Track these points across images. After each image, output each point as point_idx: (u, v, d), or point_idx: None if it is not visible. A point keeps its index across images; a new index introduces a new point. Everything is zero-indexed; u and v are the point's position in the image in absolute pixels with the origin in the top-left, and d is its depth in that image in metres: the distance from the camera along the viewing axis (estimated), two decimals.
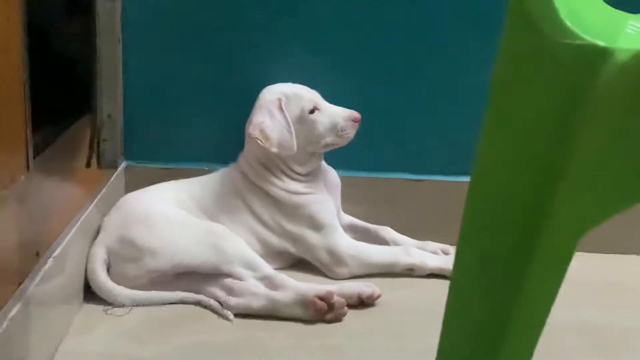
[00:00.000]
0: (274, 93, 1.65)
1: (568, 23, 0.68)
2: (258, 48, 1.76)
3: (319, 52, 1.76)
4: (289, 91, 1.65)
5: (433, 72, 1.76)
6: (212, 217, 1.63)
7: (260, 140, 1.59)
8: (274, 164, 1.66)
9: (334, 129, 1.64)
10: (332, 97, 1.69)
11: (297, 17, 1.75)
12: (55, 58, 1.52)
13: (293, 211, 1.66)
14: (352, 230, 1.76)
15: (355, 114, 1.65)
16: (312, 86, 1.68)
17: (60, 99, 1.45)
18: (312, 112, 1.64)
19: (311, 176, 1.69)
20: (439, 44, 1.75)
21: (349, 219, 1.79)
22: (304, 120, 1.64)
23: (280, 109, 1.62)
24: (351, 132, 1.65)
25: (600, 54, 0.67)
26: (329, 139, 1.65)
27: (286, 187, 1.66)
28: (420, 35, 1.75)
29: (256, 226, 1.65)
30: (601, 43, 0.67)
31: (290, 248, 1.66)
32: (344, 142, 1.67)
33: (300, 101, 1.64)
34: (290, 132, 1.61)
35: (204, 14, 1.75)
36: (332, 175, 1.75)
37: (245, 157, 1.69)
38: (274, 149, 1.60)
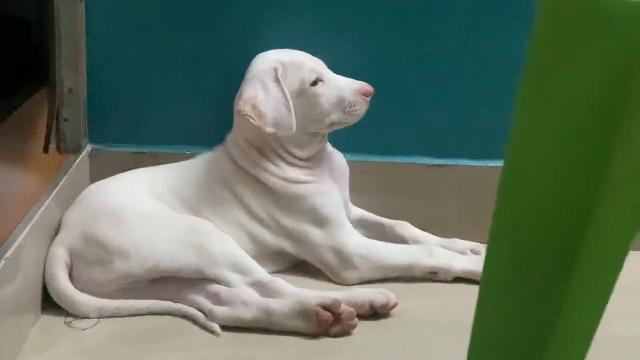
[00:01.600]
0: (268, 62, 1.65)
1: None
2: (247, 9, 1.76)
3: (321, 13, 1.76)
4: (287, 59, 1.65)
5: (458, 39, 1.77)
6: (195, 211, 1.64)
7: (252, 118, 1.60)
8: (269, 146, 1.66)
9: (341, 104, 1.65)
10: (337, 68, 1.69)
11: None
12: (6, 21, 1.52)
13: (292, 203, 1.66)
14: (363, 226, 1.77)
15: (366, 86, 1.65)
16: (313, 54, 1.68)
17: (11, 70, 1.46)
18: (314, 84, 1.64)
19: (313, 161, 1.69)
20: (466, 7, 1.75)
21: (359, 212, 1.79)
22: (305, 93, 1.64)
23: (277, 80, 1.62)
24: (361, 109, 1.66)
25: None
26: (334, 117, 1.65)
27: (283, 174, 1.66)
28: (444, 3, 1.75)
29: (247, 222, 1.66)
30: None
31: (289, 248, 1.67)
32: (352, 121, 1.67)
33: (301, 71, 1.64)
34: (288, 108, 1.61)
35: None
36: (338, 160, 1.75)
37: (234, 138, 1.69)
38: (269, 129, 1.61)
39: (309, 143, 1.67)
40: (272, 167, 1.67)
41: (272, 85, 1.61)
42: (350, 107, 1.65)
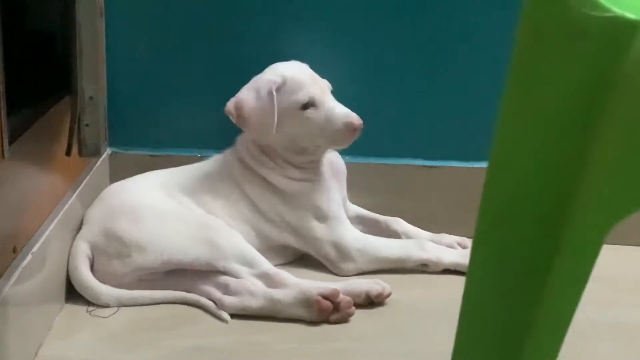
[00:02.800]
0: (273, 73, 1.63)
1: None
2: (258, 21, 1.75)
3: (323, 27, 1.76)
4: (289, 75, 1.62)
5: (449, 49, 1.76)
6: (206, 208, 1.64)
7: (232, 116, 1.61)
8: (274, 149, 1.66)
9: (325, 133, 1.61)
10: (338, 76, 1.68)
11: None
12: (31, 35, 1.52)
13: (294, 200, 1.66)
14: (360, 222, 1.77)
15: (354, 121, 1.58)
16: (315, 66, 1.67)
17: (37, 80, 1.45)
18: (305, 107, 1.60)
19: (315, 162, 1.69)
20: (456, 19, 1.75)
21: (356, 209, 1.79)
22: (293, 114, 1.61)
23: (270, 92, 1.59)
24: (344, 141, 1.61)
25: (631, 28, 0.67)
26: (318, 142, 1.63)
27: (286, 173, 1.66)
28: (436, 10, 1.74)
29: (255, 218, 1.66)
30: (631, 16, 0.67)
31: (292, 241, 1.67)
32: (337, 148, 1.66)
33: (296, 92, 1.60)
34: (271, 120, 1.58)
35: None
36: (337, 161, 1.75)
37: (244, 141, 1.69)
38: (250, 133, 1.63)
39: (304, 152, 1.66)
40: (276, 167, 1.66)
41: (264, 96, 1.60)
42: (334, 138, 1.61)
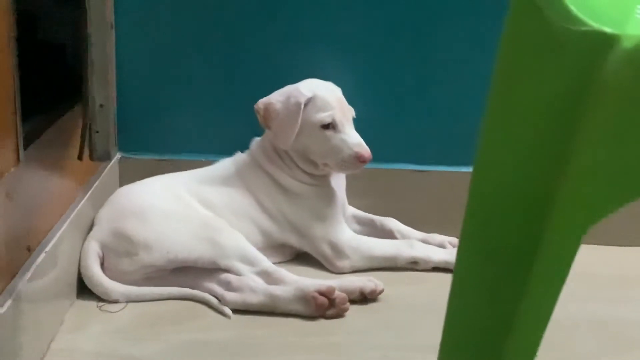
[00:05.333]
0: (306, 88, 1.63)
1: (573, 9, 0.69)
2: (260, 34, 1.76)
3: (322, 42, 1.77)
4: (321, 95, 1.62)
5: (437, 62, 1.77)
6: (211, 209, 1.64)
7: (260, 115, 1.63)
8: (287, 153, 1.67)
9: (336, 156, 1.62)
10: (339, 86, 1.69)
11: (301, 7, 1.75)
12: (45, 46, 1.52)
13: (298, 201, 1.66)
14: (357, 222, 1.78)
15: (364, 153, 1.59)
16: (311, 74, 1.68)
17: (50, 89, 1.46)
18: (326, 127, 1.61)
19: (322, 177, 1.70)
20: (444, 34, 1.76)
21: (354, 210, 1.80)
22: (312, 130, 1.62)
23: (298, 105, 1.60)
24: (351, 169, 1.63)
25: (607, 41, 0.67)
26: (328, 161, 1.64)
27: (295, 175, 1.68)
28: (424, 25, 1.75)
29: (259, 216, 1.66)
30: (608, 30, 0.67)
31: (292, 240, 1.67)
32: (344, 173, 1.67)
33: (321, 111, 1.61)
34: (292, 129, 1.60)
35: None
36: None
37: (263, 142, 1.70)
38: (270, 134, 1.64)
39: (314, 165, 1.66)
40: (287, 168, 1.67)
41: (292, 106, 1.61)
42: (342, 162, 1.62)
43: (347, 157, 1.60)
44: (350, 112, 1.65)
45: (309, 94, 1.61)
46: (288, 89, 1.64)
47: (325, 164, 1.65)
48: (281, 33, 1.76)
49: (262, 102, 1.63)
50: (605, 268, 1.71)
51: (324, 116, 1.60)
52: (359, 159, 1.59)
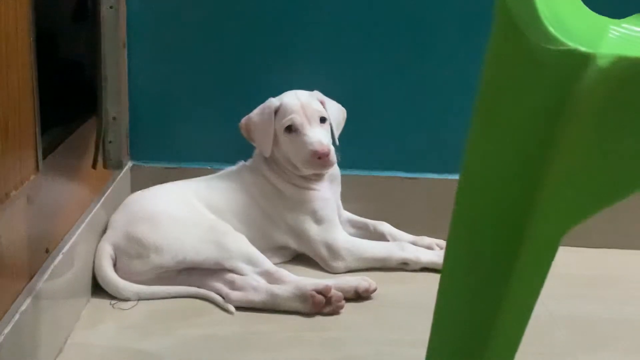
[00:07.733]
0: (279, 98, 1.65)
1: (551, 29, 0.69)
2: (264, 49, 1.76)
3: (316, 53, 1.77)
4: (286, 101, 1.63)
5: (427, 75, 1.77)
6: (218, 213, 1.64)
7: (243, 131, 1.66)
8: (280, 160, 1.67)
9: (299, 156, 1.61)
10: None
11: (298, 21, 1.75)
12: (62, 63, 1.52)
13: (297, 205, 1.66)
14: (351, 225, 1.78)
15: (319, 150, 1.56)
16: (307, 86, 1.68)
17: (67, 102, 1.46)
18: (289, 130, 1.62)
19: (316, 176, 1.69)
20: (433, 47, 1.76)
21: (349, 214, 1.79)
22: (281, 136, 1.63)
23: (271, 114, 1.63)
24: (310, 169, 1.61)
25: (582, 59, 0.67)
26: (296, 162, 1.63)
27: (292, 181, 1.67)
28: (414, 38, 1.75)
29: (261, 220, 1.66)
30: (583, 49, 0.67)
31: (292, 242, 1.67)
32: (314, 172, 1.63)
33: (284, 116, 1.62)
34: (269, 137, 1.62)
35: (207, 17, 1.76)
36: (335, 172, 1.74)
37: (260, 153, 1.70)
38: (255, 145, 1.67)
39: (296, 169, 1.66)
40: (284, 175, 1.67)
41: (265, 116, 1.63)
42: (305, 162, 1.61)
43: (306, 156, 1.59)
44: (316, 114, 1.62)
45: (277, 103, 1.64)
46: (263, 104, 1.66)
47: (296, 167, 1.65)
48: (282, 48, 1.76)
49: (243, 120, 1.67)
50: (581, 269, 1.71)
51: (285, 120, 1.62)
52: (315, 155, 1.58)
